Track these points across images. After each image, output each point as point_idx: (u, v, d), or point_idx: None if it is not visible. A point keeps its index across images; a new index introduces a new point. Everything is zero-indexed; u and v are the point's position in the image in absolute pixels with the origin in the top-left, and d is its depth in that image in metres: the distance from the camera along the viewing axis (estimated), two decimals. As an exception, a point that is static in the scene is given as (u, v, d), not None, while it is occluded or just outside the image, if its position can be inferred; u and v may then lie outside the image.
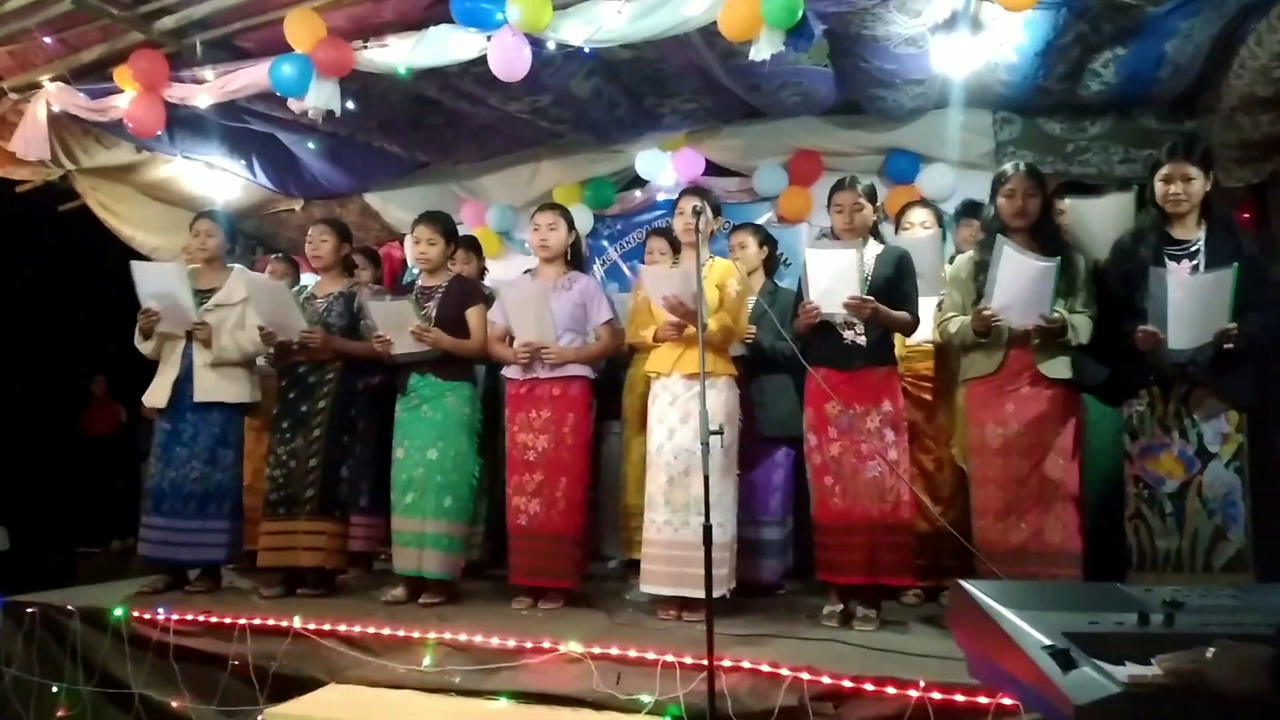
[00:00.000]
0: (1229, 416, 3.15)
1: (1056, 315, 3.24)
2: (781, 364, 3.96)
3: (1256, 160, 4.35)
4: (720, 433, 3.02)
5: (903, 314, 3.47)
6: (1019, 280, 3.23)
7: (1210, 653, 1.10)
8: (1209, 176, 3.21)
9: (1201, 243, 3.22)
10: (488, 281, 4.89)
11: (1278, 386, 3.87)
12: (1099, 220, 3.62)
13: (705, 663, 2.70)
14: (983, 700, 2.51)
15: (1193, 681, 1.06)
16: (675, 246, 4.34)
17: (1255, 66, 3.74)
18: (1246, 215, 4.45)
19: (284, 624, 3.48)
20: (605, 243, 5.95)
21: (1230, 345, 3.03)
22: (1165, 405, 3.22)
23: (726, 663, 2.87)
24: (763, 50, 3.42)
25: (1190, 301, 3.03)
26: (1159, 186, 3.22)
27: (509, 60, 3.66)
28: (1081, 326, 3.28)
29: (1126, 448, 3.32)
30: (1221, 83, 4.05)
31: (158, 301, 4.12)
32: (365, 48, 3.94)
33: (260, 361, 4.36)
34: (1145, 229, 3.32)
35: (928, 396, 4.02)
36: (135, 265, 4.15)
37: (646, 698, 2.90)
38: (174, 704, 3.53)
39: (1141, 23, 3.73)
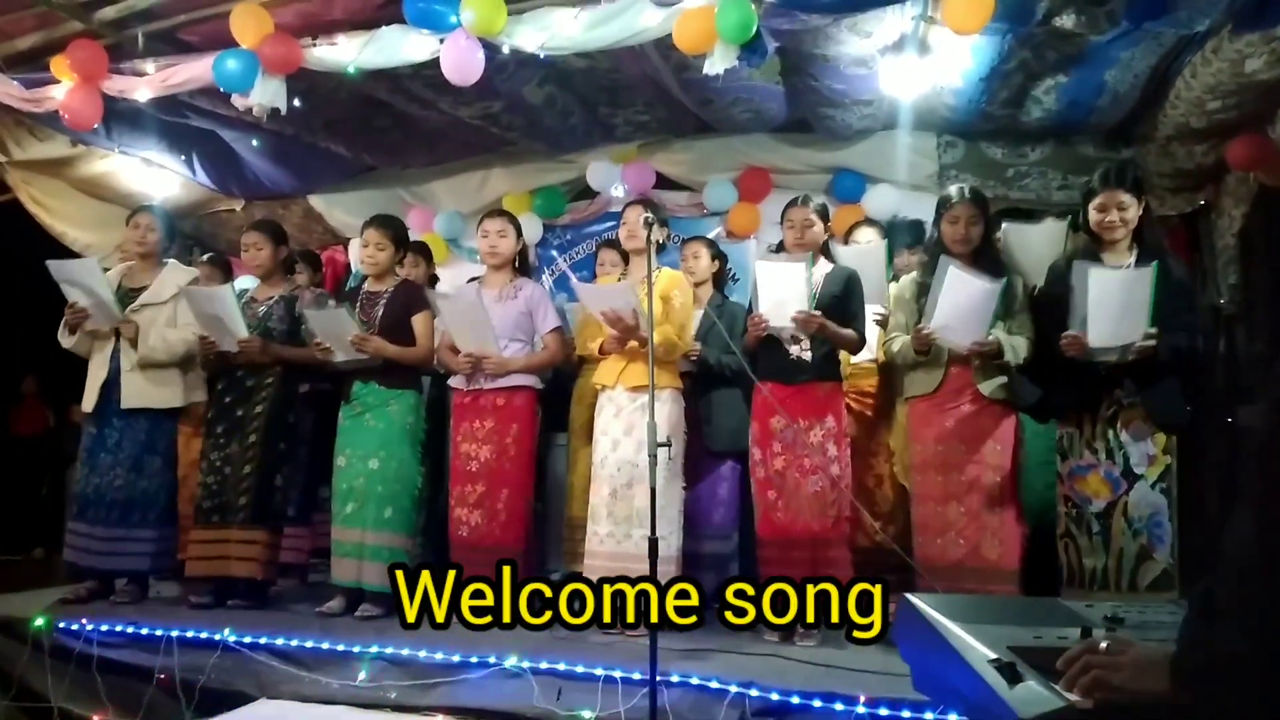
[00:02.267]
0: (1156, 439, 3.23)
1: (993, 338, 3.30)
2: (729, 378, 3.97)
3: (1189, 190, 4.51)
4: (667, 445, 3.01)
5: (849, 331, 3.51)
6: (961, 299, 3.29)
7: (1104, 645, 1.11)
8: (1141, 203, 3.30)
9: (1132, 268, 3.30)
10: (438, 288, 4.83)
11: (1205, 409, 4.00)
12: (1035, 245, 3.70)
13: (647, 678, 2.68)
14: (924, 715, 2.54)
15: (1097, 689, 1.07)
16: (626, 258, 4.34)
17: (1190, 98, 3.86)
18: (1179, 243, 4.58)
19: (213, 636, 3.37)
20: (555, 253, 5.93)
21: (1151, 344, 3.09)
22: (1093, 427, 3.29)
23: (669, 678, 2.84)
24: (716, 65, 3.43)
25: (1110, 296, 3.10)
26: (1094, 214, 3.29)
27: (462, 64, 3.62)
28: (1019, 347, 3.35)
29: (1057, 468, 3.40)
30: (1158, 113, 4.18)
31: (83, 297, 3.99)
32: (314, 45, 3.86)
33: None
34: (1078, 254, 3.40)
35: (870, 413, 4.06)
36: (52, 264, 4.00)
37: (587, 713, 2.87)
38: (95, 718, 3.40)
39: (1084, 51, 3.83)
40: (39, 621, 3.58)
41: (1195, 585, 0.99)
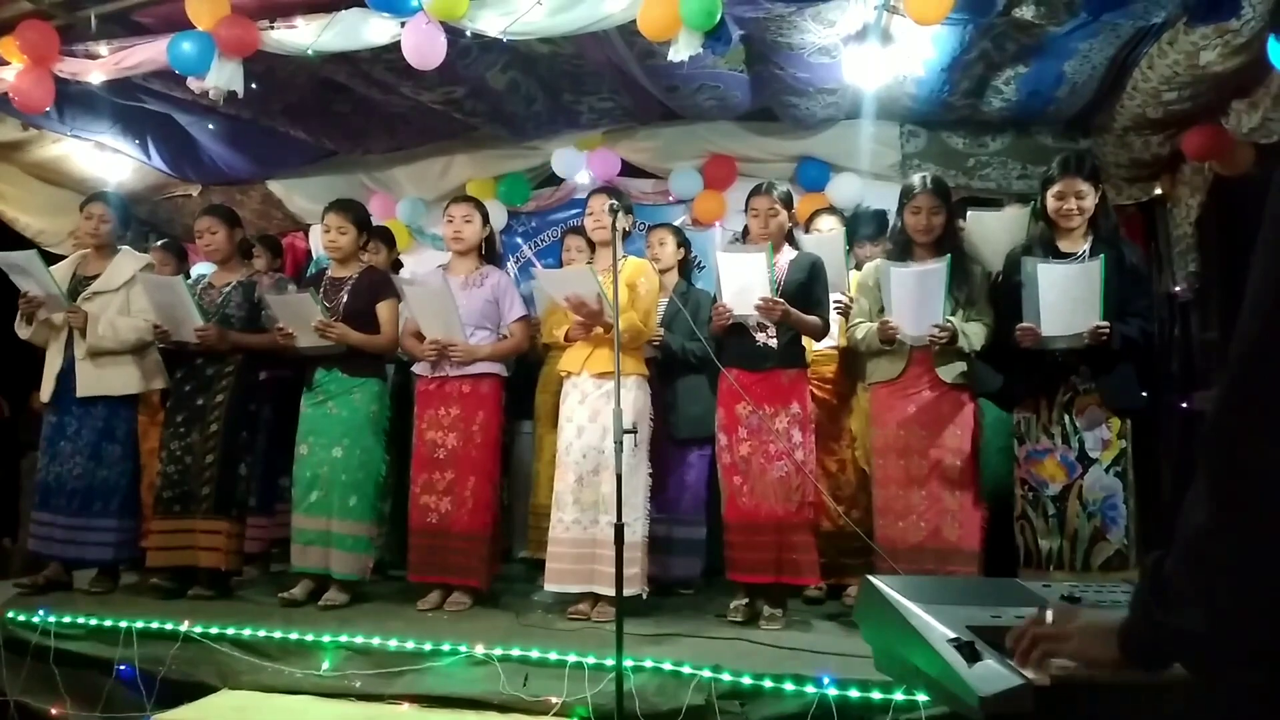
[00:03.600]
0: (1110, 424, 3.30)
1: (948, 324, 3.34)
2: (694, 365, 3.99)
3: (1145, 179, 4.59)
4: (633, 432, 3.02)
5: (813, 318, 3.53)
6: (910, 292, 3.36)
7: (1049, 615, 1.13)
8: (1098, 192, 3.36)
9: (1086, 255, 3.36)
10: (402, 274, 4.78)
11: (1159, 394, 4.08)
12: (997, 233, 3.74)
13: (614, 663, 2.69)
14: (886, 695, 2.57)
15: (1047, 658, 1.09)
16: (593, 245, 4.33)
17: (1146, 89, 3.93)
18: (1136, 231, 4.67)
19: (174, 627, 3.33)
20: (519, 240, 5.89)
21: (1104, 337, 3.16)
22: (1050, 412, 3.35)
23: (635, 663, 2.86)
24: (681, 51, 3.43)
25: (1059, 289, 3.18)
26: (1051, 202, 3.34)
27: (423, 48, 3.58)
28: (974, 334, 3.40)
29: (1014, 452, 3.46)
30: (1115, 103, 4.25)
31: (32, 287, 3.91)
32: (272, 28, 3.79)
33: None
34: (1033, 242, 3.45)
35: (831, 399, 4.09)
36: None
37: (554, 699, 2.87)
38: (53, 711, 3.34)
39: (1043, 42, 3.88)
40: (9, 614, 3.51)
41: (1146, 555, 1.01)
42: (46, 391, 4.00)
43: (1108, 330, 3.16)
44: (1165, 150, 4.34)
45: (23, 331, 4.06)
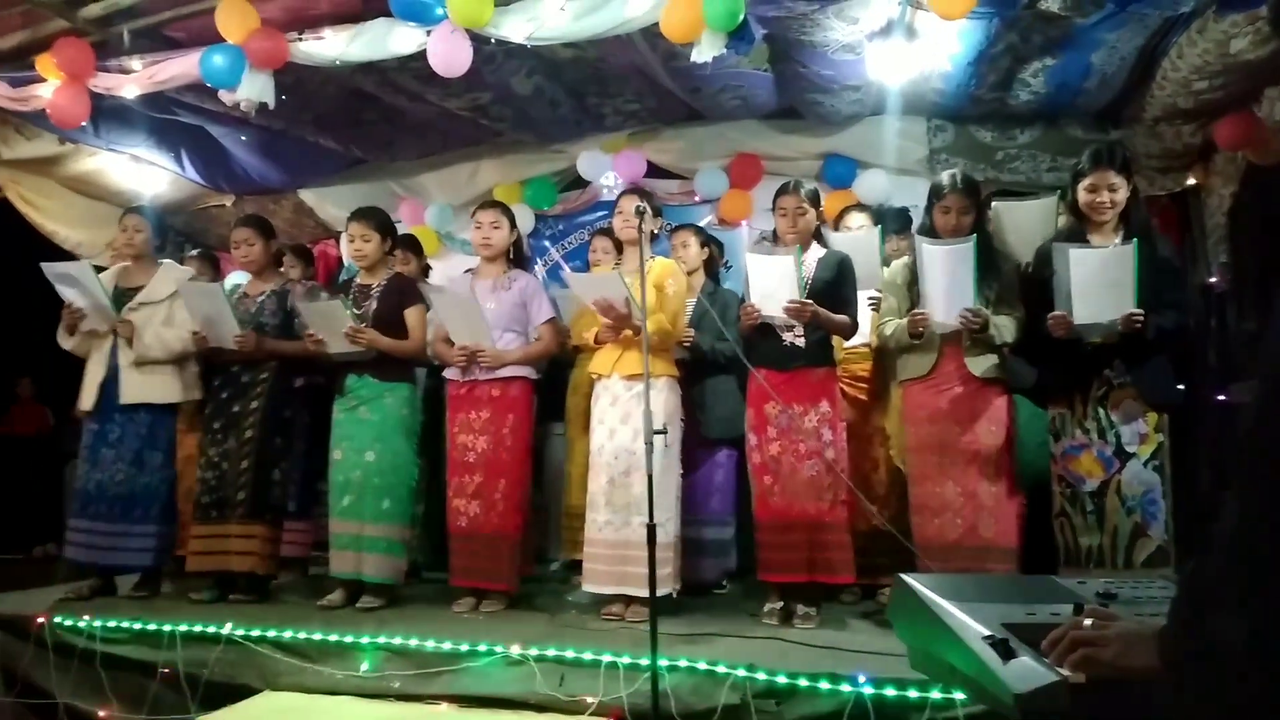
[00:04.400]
0: (1148, 418, 3.26)
1: (981, 310, 3.31)
2: (723, 365, 3.99)
3: (1177, 170, 4.53)
4: (664, 433, 3.03)
5: (842, 317, 3.52)
6: (940, 271, 3.32)
7: (1088, 624, 1.12)
8: (1130, 184, 3.32)
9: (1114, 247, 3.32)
10: (431, 280, 4.83)
11: (1195, 387, 4.03)
12: (1025, 224, 3.71)
13: (649, 663, 2.71)
14: (922, 694, 2.57)
15: (1086, 665, 1.09)
16: (620, 246, 4.35)
17: (1177, 79, 3.88)
18: (1168, 223, 4.61)
19: (216, 630, 3.39)
20: (547, 243, 5.93)
21: (1138, 325, 3.11)
22: (1085, 407, 3.31)
23: (669, 663, 2.87)
24: (704, 52, 3.44)
25: (1092, 275, 3.13)
26: (1083, 195, 3.30)
27: (449, 56, 3.62)
28: (1005, 326, 3.37)
29: (1051, 448, 3.42)
30: (1145, 94, 4.20)
31: (79, 299, 3.99)
32: (300, 40, 3.85)
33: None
34: (1064, 235, 3.41)
35: (864, 398, 4.08)
36: (46, 267, 4.00)
37: (590, 698, 2.89)
38: (101, 714, 3.41)
39: (1070, 34, 3.84)
40: (41, 619, 3.58)
41: (1186, 562, 1.00)
42: (88, 400, 4.07)
43: (1142, 318, 3.11)
44: (1197, 140, 4.29)
45: (65, 342, 4.14)
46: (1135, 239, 3.15)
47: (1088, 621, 1.12)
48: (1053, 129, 4.82)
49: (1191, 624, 0.90)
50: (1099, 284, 3.14)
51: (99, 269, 4.15)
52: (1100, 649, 1.07)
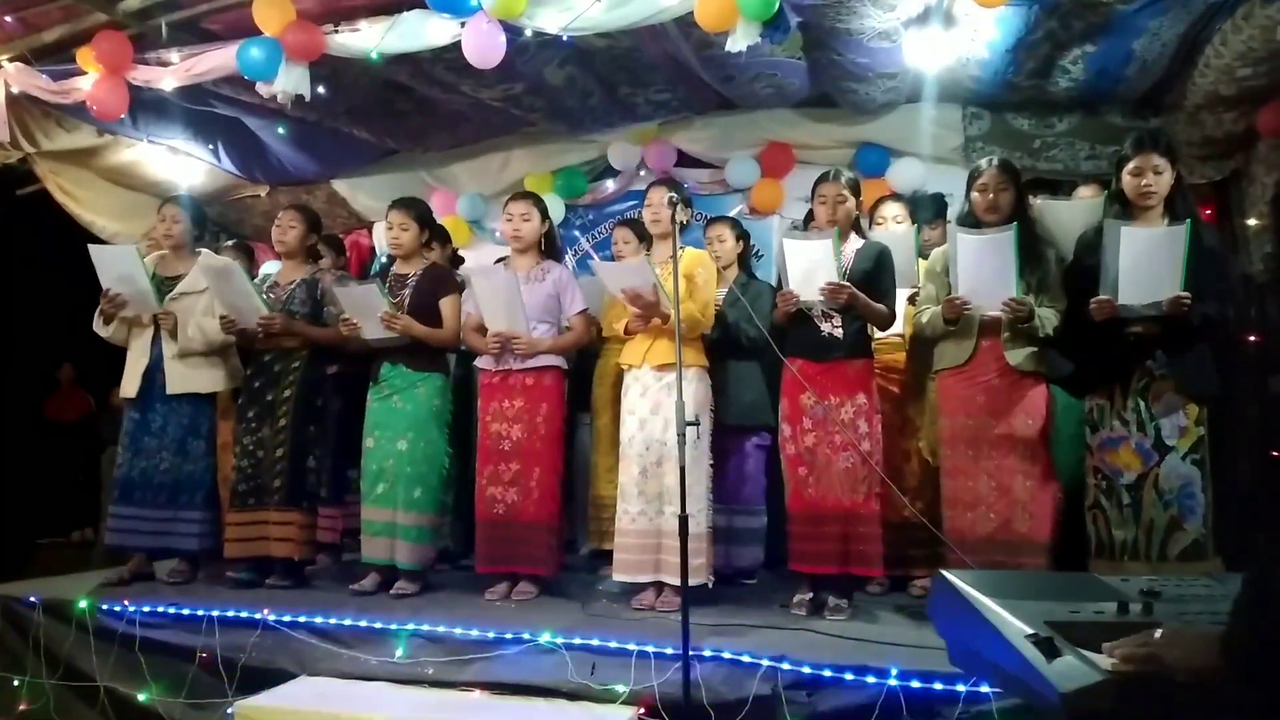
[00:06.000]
0: (1188, 410, 3.20)
1: (1025, 299, 3.27)
2: (747, 350, 3.97)
3: (1219, 157, 4.45)
4: (696, 424, 3.03)
5: (880, 305, 3.50)
6: (979, 261, 3.28)
7: (1158, 634, 1.12)
8: (1175, 168, 3.26)
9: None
10: (461, 269, 4.85)
11: (1236, 379, 3.96)
12: (1071, 222, 3.65)
13: (680, 653, 2.72)
14: (954, 687, 2.56)
15: (1147, 665, 1.08)
16: (641, 237, 4.34)
17: (1220, 65, 3.81)
18: (1209, 211, 4.54)
19: (253, 616, 3.44)
20: (577, 233, 5.94)
21: (1184, 308, 3.06)
22: (1124, 399, 3.26)
23: (701, 653, 2.88)
24: (739, 42, 3.42)
25: (1141, 254, 3.08)
26: (1128, 180, 3.24)
27: (483, 47, 3.63)
28: (1048, 318, 3.32)
29: (1087, 440, 3.38)
30: (1187, 81, 4.12)
31: (121, 285, 4.05)
32: (336, 32, 3.88)
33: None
34: (1108, 217, 3.36)
35: (896, 389, 4.05)
36: (94, 249, 4.06)
37: (621, 688, 2.91)
38: (140, 697, 3.48)
39: (1111, 20, 3.79)
40: (82, 603, 3.66)
41: (1233, 575, 0.98)
42: (131, 388, 4.13)
43: (1189, 301, 3.05)
44: (1239, 127, 4.20)
45: (102, 330, 4.19)
46: (1189, 221, 3.09)
47: (1158, 634, 1.10)
48: (1092, 116, 4.74)
49: (1260, 626, 0.89)
50: (1147, 264, 3.08)
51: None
52: (1164, 650, 1.06)
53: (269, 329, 4.01)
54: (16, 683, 3.67)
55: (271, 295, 4.13)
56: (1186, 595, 1.41)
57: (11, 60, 4.41)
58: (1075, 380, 3.45)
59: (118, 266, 4.03)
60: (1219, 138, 4.31)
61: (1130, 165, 3.24)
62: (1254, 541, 0.88)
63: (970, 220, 3.47)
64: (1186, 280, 3.07)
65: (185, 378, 4.13)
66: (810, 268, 3.41)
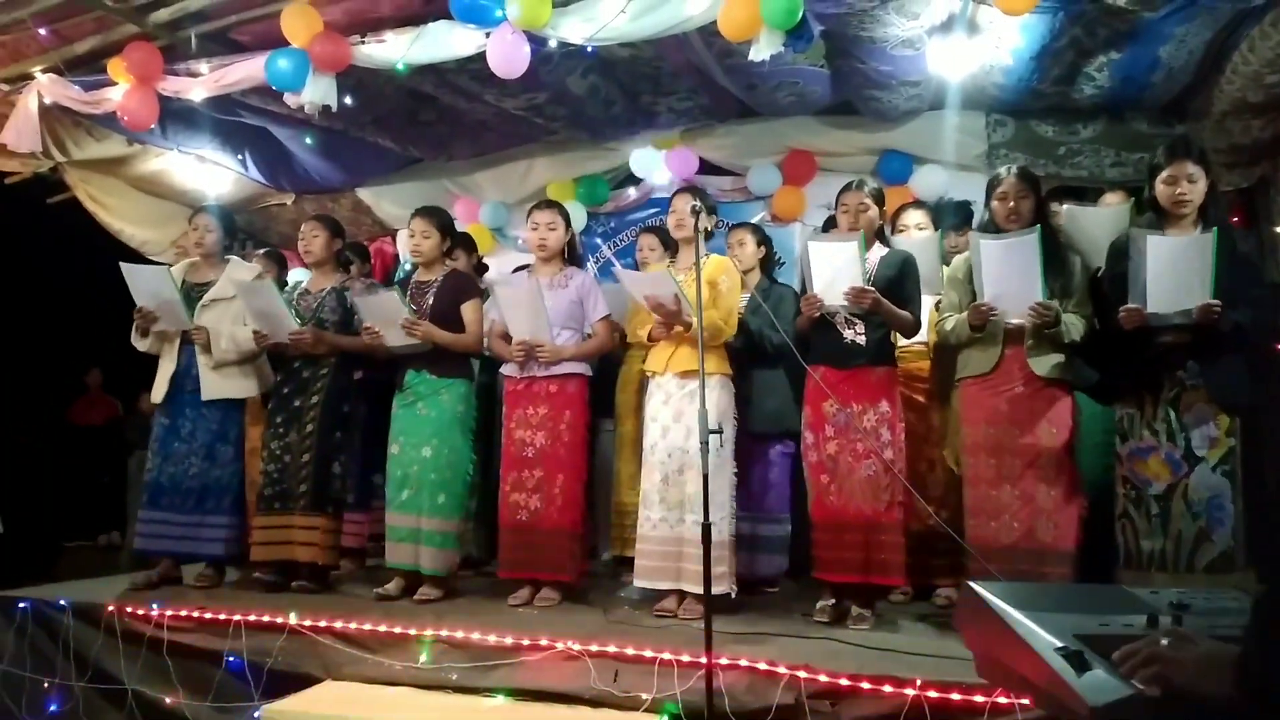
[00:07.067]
0: (1218, 421, 3.16)
1: (1051, 304, 3.25)
2: (771, 356, 3.97)
3: (1246, 164, 4.41)
4: (719, 431, 3.03)
5: (904, 313, 3.49)
6: (1004, 265, 3.26)
7: (1165, 642, 1.11)
8: (1209, 175, 3.21)
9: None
10: (485, 277, 4.89)
11: (1268, 388, 3.92)
12: (1097, 229, 3.62)
13: (703, 661, 2.72)
14: (979, 699, 2.54)
15: (1156, 682, 1.07)
16: (666, 244, 4.35)
17: (1247, 72, 3.78)
18: (1236, 219, 4.50)
19: (279, 620, 3.47)
20: (599, 240, 5.96)
21: (1215, 315, 3.02)
22: (1154, 409, 3.22)
23: (724, 661, 2.88)
24: (762, 51, 3.43)
25: (1169, 263, 3.04)
26: (1162, 189, 3.20)
27: (508, 58, 3.66)
28: (1074, 325, 3.29)
29: (1116, 449, 3.34)
30: (1213, 88, 4.09)
31: (153, 301, 4.10)
32: (363, 43, 3.92)
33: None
34: (1138, 226, 3.33)
35: (920, 397, 4.04)
36: (125, 267, 4.11)
37: (644, 695, 2.91)
38: (168, 700, 3.51)
39: (1137, 27, 3.77)
40: (111, 607, 3.69)
41: (1262, 591, 0.97)
42: (160, 393, 4.19)
43: (1219, 309, 3.01)
44: (1267, 134, 4.17)
45: (140, 344, 4.25)
46: (1216, 229, 3.06)
47: (1164, 640, 1.10)
48: (1117, 123, 4.72)
49: (1270, 651, 0.88)
50: (1176, 273, 3.04)
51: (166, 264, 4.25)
52: (1174, 669, 1.06)
53: (300, 345, 4.05)
54: (46, 685, 3.71)
55: (302, 304, 4.18)
56: (1216, 608, 1.40)
57: (44, 71, 4.49)
58: (1100, 388, 3.42)
59: (150, 285, 4.09)
60: (1246, 145, 4.27)
61: (1164, 174, 3.20)
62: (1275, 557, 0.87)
63: (991, 229, 3.45)
64: (1217, 288, 3.03)
65: (219, 385, 4.18)
66: (834, 272, 3.40)
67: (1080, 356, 3.38)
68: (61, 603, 3.81)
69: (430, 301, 4.03)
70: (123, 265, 4.12)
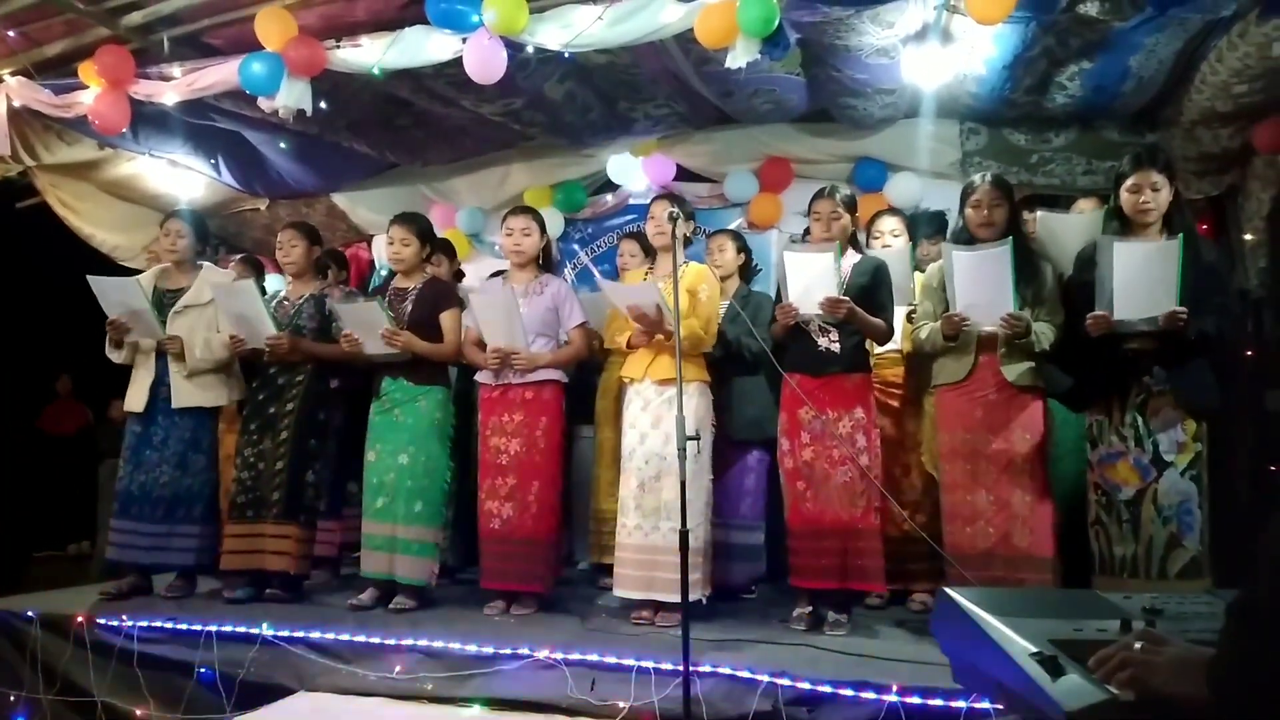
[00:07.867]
0: (1186, 426, 3.20)
1: (1022, 313, 3.28)
2: (749, 364, 3.98)
3: (1215, 173, 4.47)
4: (697, 438, 3.03)
5: (877, 320, 3.51)
6: (976, 276, 3.29)
7: (1139, 647, 1.12)
8: (1173, 184, 3.27)
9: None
10: (464, 283, 4.87)
11: (1235, 394, 3.97)
12: (1070, 236, 3.66)
13: (680, 668, 2.71)
14: (955, 704, 2.55)
15: (1131, 686, 1.08)
16: (646, 250, 4.35)
17: (1216, 82, 3.84)
18: (1205, 227, 4.56)
19: (252, 630, 3.43)
20: (576, 246, 5.95)
21: (1181, 322, 3.06)
22: (1122, 414, 3.26)
23: (702, 668, 2.88)
24: (738, 58, 3.44)
25: (1136, 268, 3.08)
26: (1126, 197, 3.25)
27: (485, 63, 3.65)
28: (1044, 333, 3.33)
29: (1088, 455, 3.38)
30: (1183, 97, 4.15)
31: (123, 312, 4.05)
32: (338, 47, 3.90)
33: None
34: (1105, 233, 3.37)
35: (895, 403, 4.06)
36: (93, 280, 4.05)
37: (621, 703, 2.90)
38: (138, 712, 3.47)
39: (1108, 37, 3.81)
40: (80, 618, 3.64)
41: (1234, 592, 0.98)
42: (139, 402, 4.13)
43: (1185, 315, 3.06)
44: (1235, 144, 4.23)
45: (115, 356, 4.19)
46: (1181, 234, 3.10)
47: (1138, 644, 1.11)
48: (1088, 132, 4.78)
49: (1243, 654, 0.89)
50: (1142, 279, 3.08)
51: (126, 272, 4.19)
52: (1149, 672, 1.06)
53: (277, 351, 4.01)
54: (13, 698, 3.65)
55: (280, 311, 4.14)
56: (1189, 613, 1.41)
57: (13, 74, 4.42)
58: (1073, 395, 3.45)
59: (118, 296, 4.04)
60: (1215, 154, 4.34)
61: (1128, 182, 3.24)
62: (1247, 560, 0.88)
63: (965, 236, 3.49)
64: (1183, 295, 3.07)
65: (191, 393, 4.13)
66: (810, 281, 3.42)
67: (1053, 363, 3.41)
68: (29, 614, 3.75)
69: (409, 308, 4.00)
70: (90, 278, 4.05)
